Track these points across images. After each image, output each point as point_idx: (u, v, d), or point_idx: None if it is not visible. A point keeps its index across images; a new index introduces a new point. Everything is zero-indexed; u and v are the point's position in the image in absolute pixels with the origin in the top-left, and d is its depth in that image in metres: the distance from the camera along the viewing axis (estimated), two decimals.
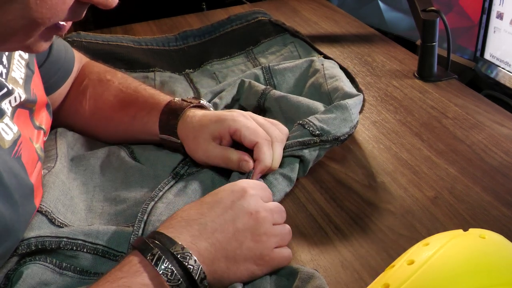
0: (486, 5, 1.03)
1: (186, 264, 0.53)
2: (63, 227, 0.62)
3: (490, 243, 0.47)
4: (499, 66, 1.04)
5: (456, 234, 0.48)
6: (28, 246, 0.58)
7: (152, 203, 0.65)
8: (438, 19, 0.93)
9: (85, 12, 0.54)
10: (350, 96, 0.81)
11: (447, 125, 0.84)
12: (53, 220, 0.62)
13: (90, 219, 0.66)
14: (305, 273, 0.57)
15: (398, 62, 1.04)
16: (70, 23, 0.55)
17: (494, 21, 1.03)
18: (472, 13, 1.08)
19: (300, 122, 0.76)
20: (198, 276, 0.53)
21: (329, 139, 0.74)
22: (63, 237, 0.59)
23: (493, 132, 0.81)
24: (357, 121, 0.80)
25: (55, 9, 0.48)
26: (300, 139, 0.73)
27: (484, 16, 1.04)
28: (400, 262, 0.47)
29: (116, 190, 0.70)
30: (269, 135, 0.72)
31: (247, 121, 0.72)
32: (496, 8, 1.02)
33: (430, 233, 0.61)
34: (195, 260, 0.53)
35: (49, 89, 0.77)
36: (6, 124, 0.60)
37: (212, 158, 0.72)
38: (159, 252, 0.53)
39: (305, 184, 0.74)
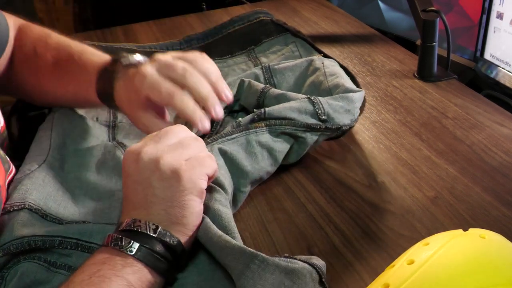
0: (486, 5, 1.03)
1: (138, 228, 0.55)
2: (56, 222, 0.62)
3: (490, 243, 0.47)
4: (499, 66, 1.04)
5: (456, 234, 0.48)
6: (21, 245, 0.57)
7: None
8: (438, 19, 0.93)
9: None
10: (352, 90, 0.82)
11: (447, 125, 0.84)
12: (45, 217, 0.62)
13: (83, 215, 0.65)
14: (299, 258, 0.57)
15: (398, 62, 1.04)
16: None
17: (494, 21, 1.03)
18: (472, 13, 1.08)
19: (311, 97, 0.76)
20: (157, 232, 0.55)
21: (333, 127, 0.75)
22: (57, 236, 0.58)
23: (493, 132, 0.81)
24: (358, 115, 0.80)
25: None
26: (308, 121, 0.74)
27: (484, 16, 1.04)
28: (400, 262, 0.47)
29: (110, 188, 0.70)
30: (178, 79, 0.66)
31: (154, 83, 0.66)
32: (496, 8, 1.02)
33: (430, 233, 0.61)
34: (144, 225, 0.55)
35: None
36: None
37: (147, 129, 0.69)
38: (116, 234, 0.54)
39: (305, 184, 0.74)
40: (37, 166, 0.68)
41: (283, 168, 0.77)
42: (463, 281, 0.43)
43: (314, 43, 1.06)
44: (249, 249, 0.54)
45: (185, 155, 0.58)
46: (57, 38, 0.82)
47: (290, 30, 1.08)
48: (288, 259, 0.55)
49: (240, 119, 0.76)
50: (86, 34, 1.28)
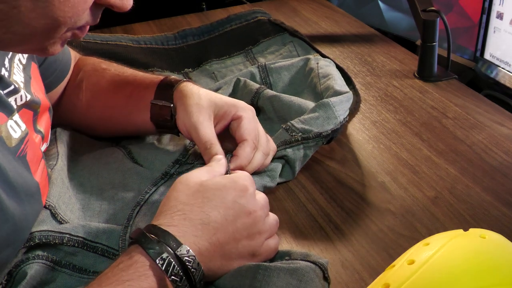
0: (486, 5, 1.04)
1: (190, 267, 0.53)
2: (64, 223, 0.62)
3: (490, 243, 0.47)
4: (499, 66, 1.04)
5: (457, 234, 0.48)
6: (32, 240, 0.58)
7: (138, 208, 0.65)
8: (438, 19, 0.93)
9: (100, 16, 0.54)
10: (340, 94, 0.81)
11: (447, 125, 0.84)
12: (55, 215, 0.63)
13: (88, 218, 0.66)
14: (298, 253, 0.58)
15: (398, 62, 1.04)
16: (88, 27, 0.55)
17: (494, 21, 1.03)
18: (472, 13, 1.08)
19: (283, 126, 0.77)
20: (199, 278, 0.53)
21: (311, 136, 0.75)
22: (66, 233, 0.59)
23: (493, 132, 0.81)
24: (345, 117, 0.80)
25: (77, 8, 0.48)
26: (282, 139, 0.74)
27: (484, 16, 1.05)
28: (401, 262, 0.47)
29: (114, 190, 0.70)
30: (259, 142, 0.72)
31: (252, 118, 0.72)
32: (496, 8, 1.02)
33: (430, 233, 0.61)
34: (198, 264, 0.53)
35: (46, 89, 0.77)
36: (15, 122, 0.60)
37: (194, 132, 0.70)
38: (169, 257, 0.52)
39: (305, 184, 0.74)
40: (50, 170, 0.69)
41: None
42: (464, 281, 0.43)
43: (314, 43, 1.06)
44: (252, 263, 0.56)
45: (267, 234, 0.60)
46: (120, 65, 0.83)
47: (288, 30, 1.08)
48: (290, 261, 0.56)
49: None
50: (86, 34, 1.28)
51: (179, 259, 0.52)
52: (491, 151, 0.77)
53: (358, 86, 0.96)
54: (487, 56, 1.06)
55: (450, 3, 1.13)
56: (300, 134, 0.75)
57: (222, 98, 0.73)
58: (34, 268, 0.57)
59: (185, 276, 0.52)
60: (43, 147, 0.69)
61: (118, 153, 0.76)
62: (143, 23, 1.30)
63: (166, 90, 0.74)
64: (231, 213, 0.57)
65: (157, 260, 0.52)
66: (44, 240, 0.58)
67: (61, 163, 0.71)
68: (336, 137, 0.81)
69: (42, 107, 0.68)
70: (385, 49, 1.10)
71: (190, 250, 0.53)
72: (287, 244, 0.64)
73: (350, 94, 0.83)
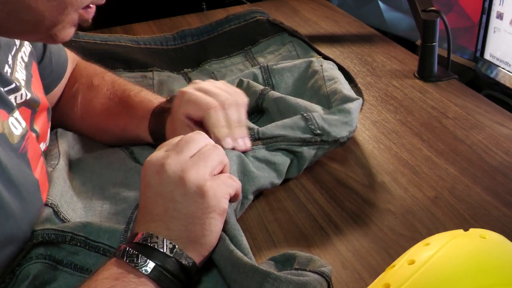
0: (486, 5, 1.04)
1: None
2: (66, 222, 0.62)
3: (491, 243, 0.47)
4: (499, 66, 1.04)
5: (457, 234, 0.48)
6: (35, 238, 0.58)
7: (137, 211, 0.65)
8: (438, 19, 0.93)
9: None
10: (349, 99, 0.80)
11: (447, 125, 0.84)
12: (58, 214, 0.63)
13: (90, 217, 0.66)
14: (304, 257, 0.57)
15: (398, 62, 1.04)
16: (94, 7, 0.55)
17: (494, 21, 1.03)
18: (472, 13, 1.08)
19: (304, 114, 0.76)
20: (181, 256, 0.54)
21: (330, 140, 0.74)
22: (68, 232, 0.59)
23: (493, 132, 0.81)
24: (356, 126, 0.80)
25: None
26: (302, 136, 0.73)
27: (484, 16, 1.05)
28: (401, 262, 0.47)
29: (116, 190, 0.70)
30: (217, 101, 0.69)
31: (191, 97, 0.70)
32: (496, 8, 1.02)
33: (430, 233, 0.61)
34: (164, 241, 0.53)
35: (45, 90, 0.77)
36: (16, 119, 0.60)
37: None
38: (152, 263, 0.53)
39: (305, 184, 0.74)
40: (52, 169, 0.69)
41: None
42: (464, 281, 0.43)
43: (314, 43, 1.06)
44: (261, 267, 0.54)
45: (209, 168, 0.56)
46: (113, 76, 0.84)
47: (287, 30, 1.08)
48: (299, 272, 0.55)
49: None
50: (86, 34, 1.28)
51: (140, 245, 0.53)
52: (491, 151, 0.77)
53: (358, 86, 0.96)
54: (487, 56, 1.06)
55: (450, 3, 1.13)
56: (319, 132, 0.73)
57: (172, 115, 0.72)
58: (37, 268, 0.57)
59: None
60: (42, 147, 0.69)
61: (120, 153, 0.76)
62: (143, 23, 1.30)
63: (159, 128, 0.74)
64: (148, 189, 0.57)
65: (127, 258, 0.53)
66: (47, 238, 0.58)
67: (62, 162, 0.71)
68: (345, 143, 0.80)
69: (41, 107, 0.68)
70: (385, 49, 1.10)
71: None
72: (287, 244, 0.64)
73: (361, 101, 0.82)
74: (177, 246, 0.53)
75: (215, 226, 0.55)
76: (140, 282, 0.51)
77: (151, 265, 0.52)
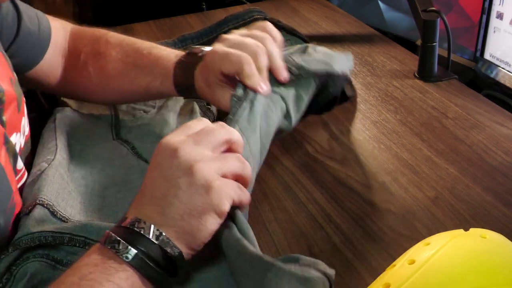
0: (486, 5, 1.04)
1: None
2: (64, 220, 0.62)
3: (491, 243, 0.47)
4: (499, 66, 1.04)
5: (457, 234, 0.48)
6: (31, 240, 0.58)
7: None
8: (438, 19, 0.93)
9: None
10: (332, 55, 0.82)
11: (447, 125, 0.84)
12: (55, 213, 0.62)
13: (90, 213, 0.66)
14: (307, 260, 0.56)
15: (398, 62, 1.04)
16: None
17: (494, 21, 1.03)
18: (472, 13, 1.09)
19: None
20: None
21: (303, 74, 0.74)
22: (67, 233, 0.59)
23: (493, 132, 0.82)
24: (343, 72, 0.80)
25: None
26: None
27: (484, 16, 1.05)
28: (401, 262, 0.47)
29: (117, 188, 0.70)
30: (249, 52, 0.70)
31: (223, 54, 0.70)
32: (496, 8, 1.02)
33: (430, 233, 0.61)
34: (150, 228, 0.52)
35: (27, 66, 0.76)
36: None
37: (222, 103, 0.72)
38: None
39: (306, 183, 0.74)
40: (47, 165, 0.69)
41: (283, 168, 0.77)
42: (464, 281, 0.43)
43: (314, 43, 1.06)
44: (266, 257, 0.54)
45: (223, 169, 0.55)
46: (117, 36, 0.82)
47: (285, 28, 1.08)
48: (303, 268, 0.54)
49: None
50: None
51: (125, 229, 0.52)
52: (491, 151, 0.77)
53: (358, 86, 0.96)
54: (487, 56, 1.06)
55: (450, 3, 1.13)
56: (294, 68, 0.74)
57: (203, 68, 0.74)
58: (35, 267, 0.57)
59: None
60: (16, 138, 0.68)
61: (122, 149, 0.76)
62: (143, 23, 1.30)
63: (187, 81, 0.75)
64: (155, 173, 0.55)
65: (108, 243, 0.51)
66: (43, 241, 0.58)
67: (60, 157, 0.71)
68: (338, 96, 0.79)
69: (7, 98, 0.66)
70: (385, 49, 1.10)
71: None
72: (287, 244, 0.64)
73: (350, 56, 0.82)
74: (164, 234, 0.52)
75: (211, 225, 0.54)
76: (121, 269, 0.50)
77: (132, 252, 0.50)
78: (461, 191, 0.70)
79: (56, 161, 0.70)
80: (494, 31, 1.04)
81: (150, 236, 0.51)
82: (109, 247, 0.51)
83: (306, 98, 0.76)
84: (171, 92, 0.78)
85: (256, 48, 0.71)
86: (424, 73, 0.97)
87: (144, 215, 0.53)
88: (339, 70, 0.79)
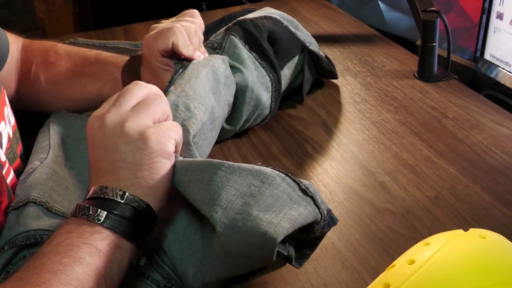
0: (486, 5, 1.04)
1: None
2: (61, 215, 0.62)
3: (491, 243, 0.47)
4: (499, 66, 1.04)
5: (457, 234, 0.48)
6: (27, 239, 0.58)
7: None
8: (438, 19, 0.93)
9: None
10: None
11: (447, 125, 0.84)
12: (49, 209, 0.62)
13: None
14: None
15: (398, 62, 1.04)
16: None
17: (494, 21, 1.03)
18: (472, 13, 1.09)
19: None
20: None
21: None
22: None
23: (493, 132, 0.82)
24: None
25: None
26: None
27: (484, 16, 1.05)
28: (401, 262, 0.47)
29: None
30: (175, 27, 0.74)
31: (155, 34, 0.75)
32: (496, 8, 1.02)
33: (430, 233, 0.61)
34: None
35: None
36: None
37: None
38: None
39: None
40: (40, 163, 0.68)
41: (284, 168, 0.77)
42: (464, 281, 0.43)
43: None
44: (216, 160, 0.54)
45: (150, 116, 0.56)
46: (65, 46, 0.85)
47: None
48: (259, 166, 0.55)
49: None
50: (86, 34, 1.28)
51: (92, 199, 0.54)
52: (491, 151, 0.77)
53: (358, 86, 0.96)
54: (487, 56, 1.06)
55: (450, 3, 1.13)
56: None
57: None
58: None
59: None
60: (2, 126, 0.68)
61: None
62: (143, 23, 1.30)
63: (133, 72, 0.78)
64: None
65: (79, 213, 0.53)
66: (40, 239, 0.58)
67: (53, 155, 0.71)
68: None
69: None
70: (385, 49, 1.10)
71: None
72: None
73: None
74: (127, 193, 0.53)
75: (164, 169, 0.55)
76: (95, 231, 0.51)
77: (103, 213, 0.52)
78: (461, 191, 0.70)
79: (49, 159, 0.70)
80: (494, 31, 1.04)
81: (116, 198, 0.53)
82: (80, 215, 0.52)
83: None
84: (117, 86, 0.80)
85: (183, 23, 0.75)
86: (424, 73, 0.97)
87: (103, 184, 0.54)
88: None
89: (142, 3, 1.78)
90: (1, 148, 0.66)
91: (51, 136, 0.75)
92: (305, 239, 0.54)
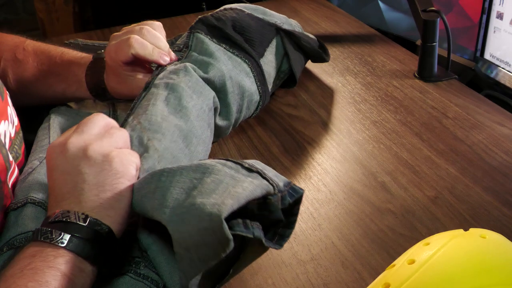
0: (486, 5, 1.04)
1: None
2: None
3: (491, 243, 0.47)
4: (499, 66, 1.04)
5: (457, 234, 0.48)
6: (25, 239, 0.57)
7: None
8: (438, 19, 0.93)
9: None
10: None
11: (447, 125, 0.84)
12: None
13: None
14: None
15: (398, 62, 1.04)
16: None
17: (494, 21, 1.03)
18: (472, 13, 1.09)
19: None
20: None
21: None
22: None
23: (493, 132, 0.82)
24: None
25: None
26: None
27: (484, 16, 1.05)
28: (401, 262, 0.47)
29: None
30: (133, 33, 0.76)
31: (113, 47, 0.76)
32: (496, 8, 1.02)
33: (430, 233, 0.61)
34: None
35: None
36: None
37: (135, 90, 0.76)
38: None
39: (305, 183, 0.74)
40: (39, 163, 0.68)
41: (283, 168, 0.77)
42: (464, 281, 0.43)
43: None
44: (159, 169, 0.55)
45: (113, 143, 0.57)
46: (32, 43, 0.86)
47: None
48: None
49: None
50: (86, 34, 1.28)
51: (54, 223, 0.53)
52: (491, 151, 0.77)
53: (358, 86, 0.96)
54: (487, 56, 1.06)
55: (450, 3, 1.13)
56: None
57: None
58: None
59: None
60: (5, 126, 0.69)
61: None
62: None
63: (95, 73, 0.80)
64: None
65: (41, 237, 0.52)
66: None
67: None
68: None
69: None
70: (385, 49, 1.10)
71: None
72: (287, 244, 0.64)
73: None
74: (90, 216, 0.53)
75: (126, 191, 0.55)
76: (58, 254, 0.51)
77: (66, 236, 0.51)
78: (461, 191, 0.70)
79: None
80: (494, 31, 1.04)
81: (78, 221, 0.52)
82: (43, 239, 0.52)
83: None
84: (88, 97, 0.82)
85: (141, 29, 0.77)
86: (424, 73, 0.97)
87: (64, 208, 0.54)
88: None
89: (142, 3, 1.78)
90: (4, 147, 0.66)
91: (50, 135, 0.75)
92: (269, 217, 0.54)
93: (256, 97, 0.83)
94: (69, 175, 0.55)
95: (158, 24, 0.79)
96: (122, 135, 0.60)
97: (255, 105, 0.84)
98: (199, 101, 0.73)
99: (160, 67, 0.76)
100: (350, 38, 1.16)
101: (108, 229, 0.53)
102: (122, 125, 0.67)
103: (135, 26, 0.78)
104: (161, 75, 0.74)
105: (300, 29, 0.97)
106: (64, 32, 1.92)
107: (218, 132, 0.78)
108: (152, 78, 0.74)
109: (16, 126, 0.71)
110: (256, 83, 0.83)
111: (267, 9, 0.94)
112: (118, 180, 0.55)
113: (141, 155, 0.61)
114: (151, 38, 0.76)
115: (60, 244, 0.51)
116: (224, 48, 0.83)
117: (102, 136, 0.58)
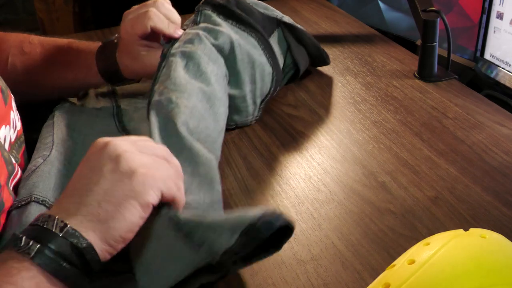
0: (486, 5, 1.04)
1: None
2: None
3: (491, 243, 0.47)
4: (499, 66, 1.04)
5: (457, 234, 0.48)
6: None
7: None
8: (438, 19, 0.93)
9: None
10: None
11: (447, 125, 0.84)
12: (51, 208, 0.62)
13: None
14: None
15: (398, 62, 1.04)
16: None
17: (494, 21, 1.03)
18: (472, 13, 1.08)
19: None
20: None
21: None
22: None
23: (493, 132, 0.82)
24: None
25: None
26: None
27: (484, 16, 1.04)
28: (401, 262, 0.47)
29: None
30: (148, 7, 0.78)
31: (130, 20, 0.78)
32: (496, 8, 1.02)
33: (430, 233, 0.61)
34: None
35: None
36: None
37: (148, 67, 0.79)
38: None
39: (305, 183, 0.74)
40: (42, 160, 0.68)
41: (282, 166, 0.77)
42: (464, 281, 0.43)
43: None
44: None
45: (153, 165, 0.52)
46: (37, 37, 0.87)
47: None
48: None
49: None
50: (86, 34, 1.28)
51: (32, 226, 0.48)
52: (491, 151, 0.77)
53: (358, 86, 0.96)
54: (487, 56, 1.06)
55: (450, 3, 1.13)
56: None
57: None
58: None
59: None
60: (5, 130, 0.67)
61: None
62: None
63: (107, 56, 0.82)
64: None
65: (12, 242, 0.47)
66: None
67: (56, 153, 0.71)
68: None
69: None
70: (385, 49, 1.10)
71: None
72: (287, 244, 0.64)
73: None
74: (68, 225, 0.46)
75: (131, 215, 0.49)
76: (23, 268, 0.44)
77: (34, 247, 0.45)
78: (461, 191, 0.70)
79: (52, 156, 0.69)
80: (494, 31, 1.04)
81: (54, 229, 0.46)
82: (13, 245, 0.46)
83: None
84: (98, 82, 0.84)
85: (155, 2, 0.79)
86: (424, 73, 0.97)
87: (60, 208, 0.50)
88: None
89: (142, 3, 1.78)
90: (4, 150, 0.66)
91: (55, 132, 0.75)
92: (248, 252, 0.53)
93: (268, 68, 0.85)
94: (91, 171, 0.51)
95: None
96: (168, 167, 0.53)
97: (269, 77, 0.85)
98: (215, 67, 0.76)
99: (171, 40, 0.79)
100: (350, 38, 1.16)
101: (87, 244, 0.47)
102: (149, 94, 0.71)
103: (148, 1, 0.80)
104: (176, 45, 0.77)
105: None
106: (64, 32, 1.92)
107: (231, 102, 0.80)
108: (168, 49, 0.76)
109: (18, 131, 0.71)
110: (265, 55, 0.85)
111: (268, 6, 0.95)
112: (128, 199, 0.49)
113: (171, 110, 0.65)
114: (165, 11, 0.79)
115: (26, 255, 0.45)
116: (231, 23, 0.84)
117: (149, 156, 0.52)
